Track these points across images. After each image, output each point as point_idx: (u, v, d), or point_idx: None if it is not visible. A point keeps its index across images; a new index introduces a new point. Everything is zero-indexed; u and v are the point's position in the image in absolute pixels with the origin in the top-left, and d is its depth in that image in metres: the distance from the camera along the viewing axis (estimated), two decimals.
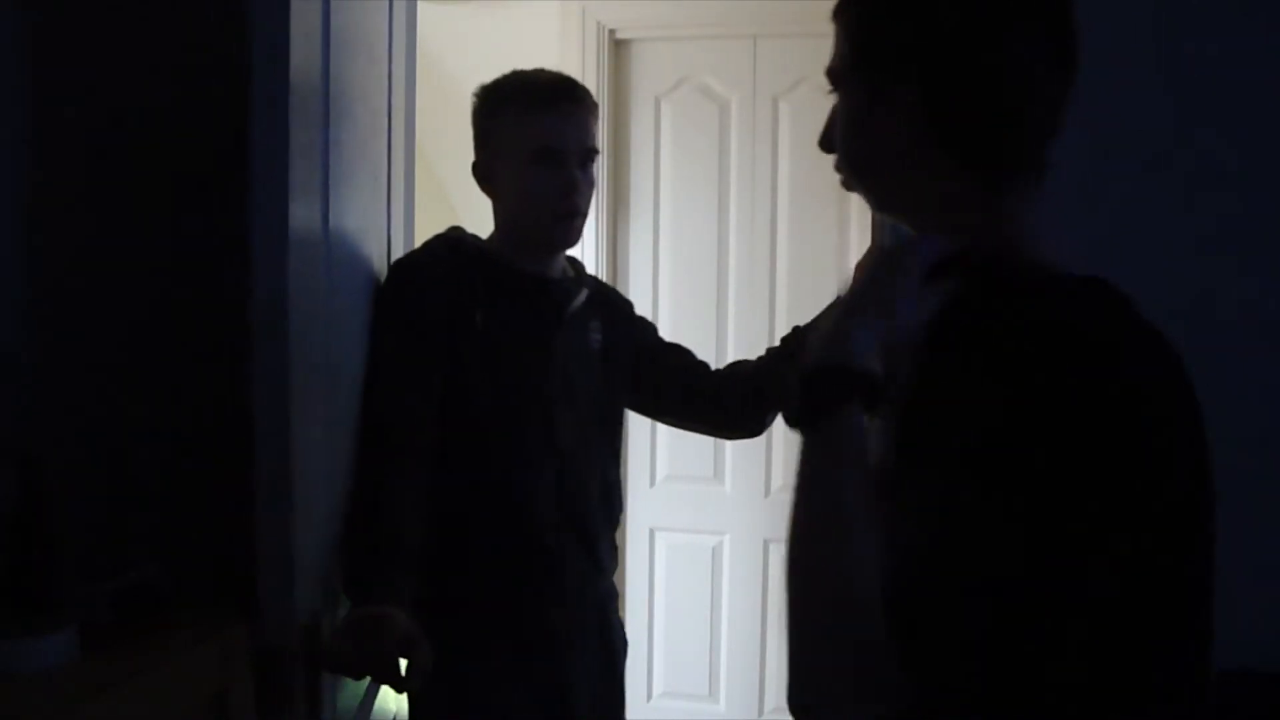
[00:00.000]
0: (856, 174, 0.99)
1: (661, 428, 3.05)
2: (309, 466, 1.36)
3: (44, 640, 1.29)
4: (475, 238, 1.73)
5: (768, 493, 3.13)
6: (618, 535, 1.84)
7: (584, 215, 1.69)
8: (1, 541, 1.35)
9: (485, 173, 1.70)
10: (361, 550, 1.50)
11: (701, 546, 3.17)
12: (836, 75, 0.98)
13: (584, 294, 1.75)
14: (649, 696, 3.19)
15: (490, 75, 1.71)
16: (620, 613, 1.87)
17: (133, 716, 1.28)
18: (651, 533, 3.19)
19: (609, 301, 1.86)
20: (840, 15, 0.97)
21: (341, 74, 1.46)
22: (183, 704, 1.38)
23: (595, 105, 1.70)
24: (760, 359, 1.92)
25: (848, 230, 3.00)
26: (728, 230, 3.11)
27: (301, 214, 1.30)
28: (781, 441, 3.10)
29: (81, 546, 1.52)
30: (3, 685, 1.22)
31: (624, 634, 1.84)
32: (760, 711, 3.15)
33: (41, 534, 1.36)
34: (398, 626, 1.38)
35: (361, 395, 1.58)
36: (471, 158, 1.72)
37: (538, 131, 1.63)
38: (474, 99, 1.70)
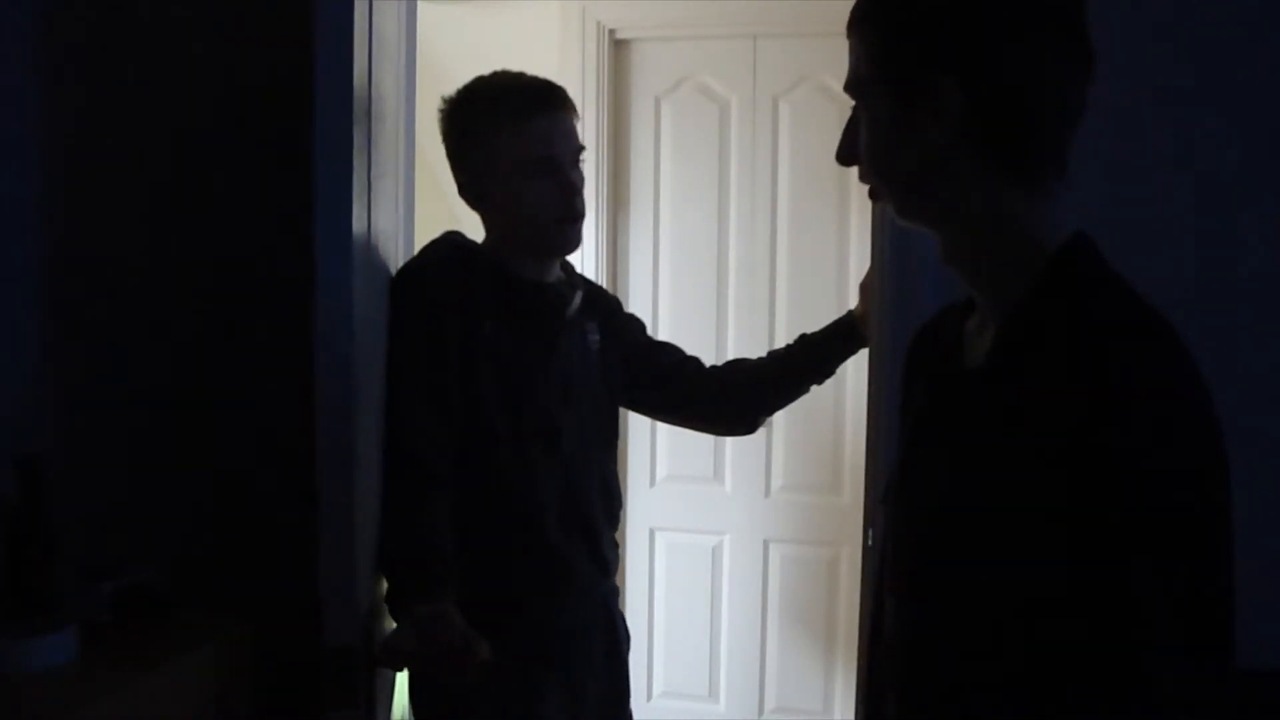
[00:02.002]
0: (886, 182, 0.99)
1: (661, 427, 3.06)
2: (364, 467, 1.37)
3: (44, 640, 1.30)
4: (474, 243, 1.73)
5: (768, 493, 3.13)
6: (618, 535, 1.85)
7: (584, 217, 1.69)
8: (1, 541, 1.35)
9: (477, 191, 1.67)
10: (407, 559, 1.53)
11: (701, 546, 3.17)
12: (861, 85, 0.97)
13: (579, 296, 1.75)
14: (649, 696, 3.19)
15: (486, 73, 1.69)
16: (620, 608, 1.88)
17: (132, 717, 1.28)
18: (651, 533, 3.19)
19: (600, 301, 1.86)
20: (862, 24, 0.97)
21: (378, 76, 1.47)
22: (182, 705, 1.38)
23: (575, 105, 1.69)
24: (761, 360, 1.92)
25: (847, 230, 3.00)
26: (728, 230, 3.10)
27: (356, 218, 1.31)
28: (781, 441, 3.10)
29: (81, 546, 1.52)
30: (3, 685, 1.22)
31: (626, 626, 1.87)
32: (760, 711, 3.15)
33: (41, 534, 1.36)
34: (458, 622, 1.42)
35: (387, 410, 1.58)
36: None
37: (535, 141, 1.61)
38: (447, 115, 1.67)
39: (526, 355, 1.65)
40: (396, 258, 1.75)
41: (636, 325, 1.92)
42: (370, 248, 1.44)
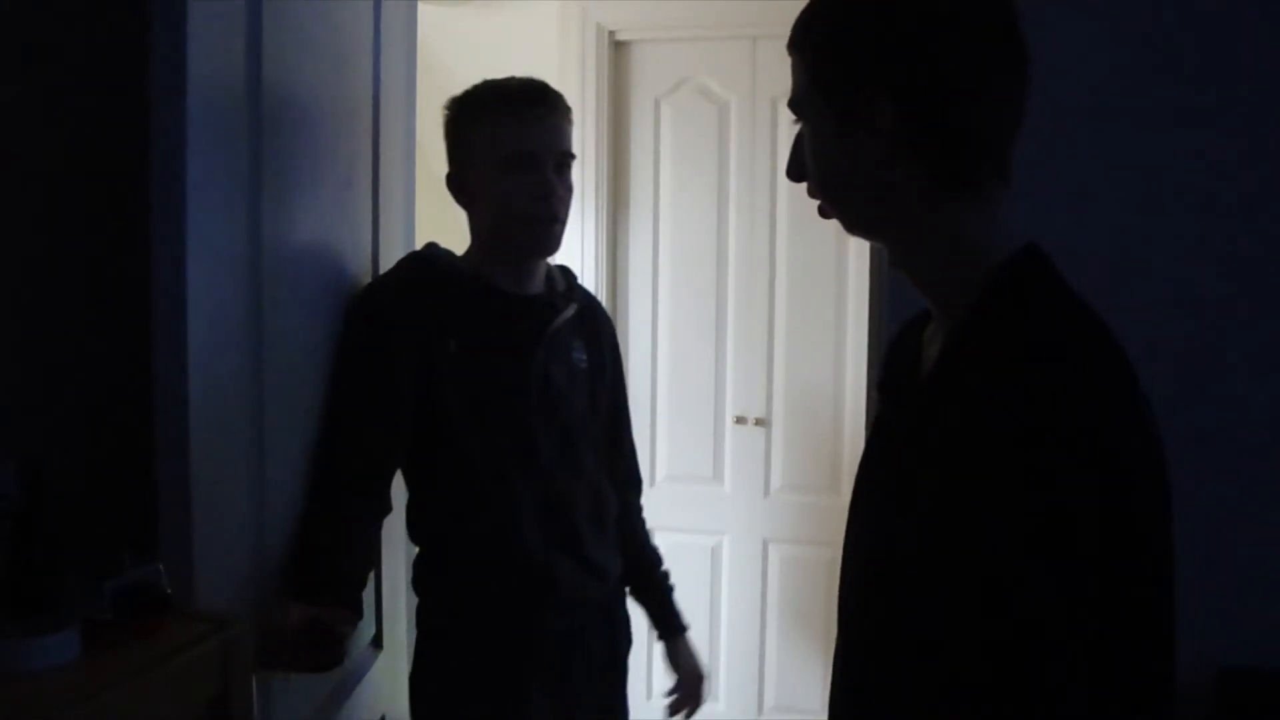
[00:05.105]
0: (831, 199, 0.99)
1: (661, 427, 3.07)
2: (224, 482, 1.35)
3: (44, 640, 1.30)
4: (450, 255, 1.70)
5: (767, 493, 3.13)
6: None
7: (563, 221, 1.66)
8: (2, 541, 1.35)
9: (459, 185, 1.67)
10: (305, 573, 1.48)
11: (701, 546, 3.18)
12: (801, 104, 0.98)
13: (572, 309, 1.72)
14: (649, 696, 3.19)
15: (491, 76, 1.70)
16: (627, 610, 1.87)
17: (133, 716, 1.28)
18: (651, 533, 3.18)
19: (597, 322, 1.81)
20: (798, 45, 0.98)
21: (289, 80, 1.43)
22: (183, 704, 1.38)
23: (568, 109, 1.67)
24: (639, 542, 1.96)
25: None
26: (727, 230, 3.11)
27: (214, 223, 1.27)
28: (781, 441, 3.10)
29: (81, 546, 1.52)
30: (3, 685, 1.23)
31: (629, 631, 1.84)
32: (760, 710, 3.15)
33: (41, 534, 1.36)
34: (283, 616, 1.39)
35: (324, 428, 1.55)
36: None
37: (509, 136, 1.60)
38: (445, 112, 1.68)
39: (499, 369, 1.63)
40: (365, 264, 1.72)
41: (618, 382, 1.86)
42: (265, 260, 1.39)
